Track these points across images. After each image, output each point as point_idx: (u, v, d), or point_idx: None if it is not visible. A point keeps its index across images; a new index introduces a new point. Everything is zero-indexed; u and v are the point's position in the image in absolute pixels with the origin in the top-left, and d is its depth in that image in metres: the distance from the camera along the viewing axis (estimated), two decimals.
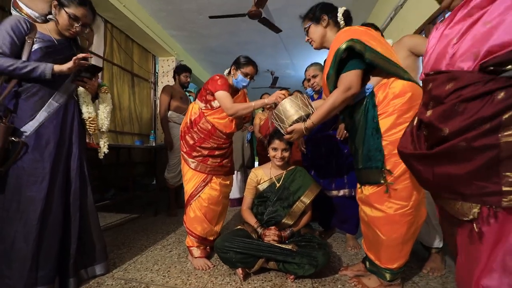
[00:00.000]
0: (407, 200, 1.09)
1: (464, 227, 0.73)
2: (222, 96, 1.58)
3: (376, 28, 1.86)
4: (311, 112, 1.31)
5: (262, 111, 3.31)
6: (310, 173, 2.11)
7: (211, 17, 3.50)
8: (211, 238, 1.66)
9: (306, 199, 1.58)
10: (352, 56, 1.14)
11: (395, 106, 1.09)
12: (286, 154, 1.63)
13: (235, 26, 4.24)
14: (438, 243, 1.45)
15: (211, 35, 4.57)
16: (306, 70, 2.13)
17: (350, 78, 1.13)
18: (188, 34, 4.55)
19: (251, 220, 1.62)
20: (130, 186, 3.31)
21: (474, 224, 0.68)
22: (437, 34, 0.79)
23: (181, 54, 5.01)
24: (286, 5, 3.66)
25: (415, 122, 0.85)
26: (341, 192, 1.92)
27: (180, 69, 3.08)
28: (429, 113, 0.76)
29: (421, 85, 1.15)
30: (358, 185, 1.27)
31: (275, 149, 1.63)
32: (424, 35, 2.43)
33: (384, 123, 1.11)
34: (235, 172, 3.27)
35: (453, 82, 0.70)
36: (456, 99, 0.68)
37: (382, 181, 1.10)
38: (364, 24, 1.91)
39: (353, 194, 1.87)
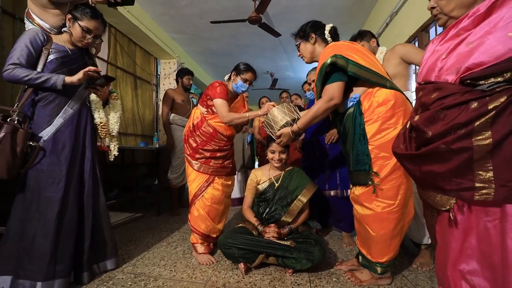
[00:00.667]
0: (393, 199, 1.20)
1: (442, 216, 0.84)
2: (220, 104, 1.69)
3: (372, 35, 1.96)
4: (297, 118, 1.47)
5: None
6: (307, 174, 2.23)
7: (212, 22, 3.60)
8: (214, 236, 1.76)
9: (303, 198, 1.68)
10: (336, 70, 1.26)
11: (379, 114, 1.20)
12: (283, 156, 1.73)
13: (235, 30, 4.34)
14: (427, 240, 1.55)
15: (212, 38, 4.67)
16: (308, 74, 2.25)
17: (332, 89, 1.26)
18: (189, 37, 4.65)
19: (252, 218, 1.72)
20: (134, 187, 3.41)
21: (450, 213, 0.79)
22: (432, 48, 0.90)
23: (182, 56, 5.11)
24: (286, 11, 3.77)
25: (408, 125, 0.96)
26: (333, 192, 2.03)
27: (182, 73, 3.18)
28: (416, 117, 0.86)
29: (405, 93, 1.27)
30: (351, 186, 1.37)
31: (273, 151, 1.73)
32: (417, 43, 2.54)
33: (370, 129, 1.22)
34: (236, 172, 3.38)
35: (438, 92, 0.80)
36: (439, 106, 0.78)
37: (369, 183, 1.21)
38: (360, 32, 2.02)
39: (345, 194, 1.98)
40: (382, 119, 1.19)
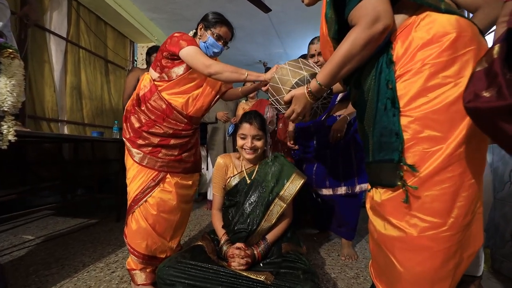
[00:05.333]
0: (443, 216, 0.66)
1: None
2: (195, 51, 1.14)
3: None
4: (318, 72, 0.89)
5: (246, 100, 2.88)
6: (302, 168, 1.74)
7: None
8: (163, 256, 1.23)
9: (287, 194, 1.17)
10: None
11: (425, 60, 0.65)
12: (258, 143, 1.21)
13: (221, 8, 3.75)
14: (475, 270, 1.03)
15: (194, 18, 4.05)
16: (311, 43, 1.64)
17: (372, 4, 0.67)
18: (169, 17, 4.10)
19: (219, 229, 1.23)
20: (95, 186, 2.88)
21: None
22: None
23: (162, 40, 4.55)
24: None
25: (494, 52, 0.44)
26: (338, 191, 1.60)
27: (152, 50, 2.70)
28: None
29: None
30: (369, 186, 0.85)
31: (243, 136, 1.21)
32: None
33: (405, 89, 0.67)
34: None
35: None
36: None
37: (398, 183, 0.68)
38: None
39: (349, 192, 1.58)
40: (431, 67, 0.65)
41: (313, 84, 0.83)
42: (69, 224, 2.26)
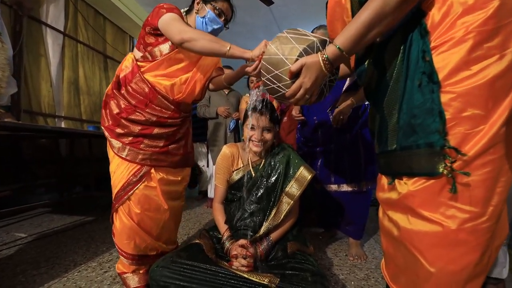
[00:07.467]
0: (484, 205, 0.56)
1: None
2: (170, 18, 0.99)
3: None
4: (329, 40, 0.74)
5: (249, 93, 2.79)
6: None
7: None
8: (153, 253, 1.13)
9: (294, 190, 1.08)
10: None
11: (469, 27, 0.56)
12: (268, 136, 1.11)
13: None
14: (499, 272, 0.93)
15: None
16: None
17: None
18: None
19: (221, 224, 1.14)
20: (92, 183, 2.80)
21: None
22: None
23: None
24: None
25: None
26: (343, 187, 1.53)
27: None
28: None
29: None
30: (386, 179, 0.74)
31: (252, 127, 1.11)
32: None
33: (443, 61, 0.57)
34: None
35: None
36: None
37: (441, 171, 0.58)
38: None
39: (356, 189, 1.50)
40: (476, 36, 0.55)
41: (331, 49, 0.66)
42: (65, 222, 2.17)
